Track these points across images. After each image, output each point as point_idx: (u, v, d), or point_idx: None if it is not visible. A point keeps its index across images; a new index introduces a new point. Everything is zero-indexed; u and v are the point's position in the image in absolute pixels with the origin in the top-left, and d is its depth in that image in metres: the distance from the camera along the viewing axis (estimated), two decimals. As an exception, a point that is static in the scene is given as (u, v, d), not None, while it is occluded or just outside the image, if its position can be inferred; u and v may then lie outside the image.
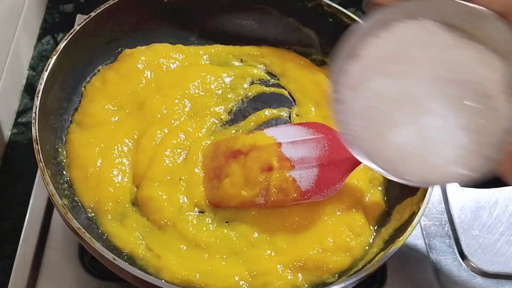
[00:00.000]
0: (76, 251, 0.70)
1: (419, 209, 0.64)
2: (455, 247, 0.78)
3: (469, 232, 0.80)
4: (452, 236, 0.79)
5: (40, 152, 0.62)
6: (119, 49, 0.81)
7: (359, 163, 0.67)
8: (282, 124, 0.78)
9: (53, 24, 1.00)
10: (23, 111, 0.89)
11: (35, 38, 0.97)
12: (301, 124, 0.73)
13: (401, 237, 0.62)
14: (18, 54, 0.89)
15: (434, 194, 0.81)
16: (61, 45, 0.70)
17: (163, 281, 0.59)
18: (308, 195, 0.66)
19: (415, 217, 0.63)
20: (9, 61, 0.85)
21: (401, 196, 0.70)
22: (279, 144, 0.69)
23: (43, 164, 0.61)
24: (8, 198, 0.80)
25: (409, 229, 0.62)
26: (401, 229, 0.65)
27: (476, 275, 0.76)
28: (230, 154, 0.71)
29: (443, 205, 0.82)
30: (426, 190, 0.65)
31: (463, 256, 0.78)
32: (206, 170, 0.71)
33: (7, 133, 0.86)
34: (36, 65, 0.94)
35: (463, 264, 0.77)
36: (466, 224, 0.80)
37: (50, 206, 0.73)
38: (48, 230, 0.71)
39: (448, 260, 0.77)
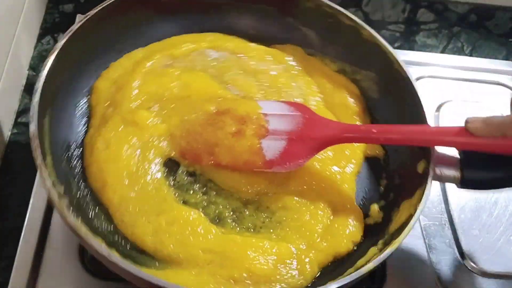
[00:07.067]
0: (76, 251, 0.70)
1: (415, 210, 0.63)
2: (455, 247, 0.78)
3: (469, 232, 0.80)
4: (452, 236, 0.79)
5: (39, 147, 0.61)
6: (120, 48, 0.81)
7: (326, 145, 0.70)
8: None
9: (53, 24, 1.00)
10: (23, 111, 0.89)
11: (35, 38, 0.97)
12: (285, 101, 0.75)
13: (397, 239, 0.61)
14: (18, 54, 0.89)
15: (434, 194, 0.81)
16: (60, 44, 0.70)
17: (162, 279, 0.58)
18: (270, 164, 0.69)
19: (411, 219, 0.63)
20: (9, 61, 0.85)
21: (399, 199, 0.70)
22: (265, 114, 0.72)
23: (41, 160, 0.61)
24: (8, 198, 0.80)
25: (405, 231, 0.62)
26: (398, 231, 0.64)
27: (476, 275, 0.76)
28: (218, 112, 0.73)
29: (443, 205, 0.82)
30: (424, 192, 0.65)
31: (463, 256, 0.77)
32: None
33: (7, 133, 0.86)
34: (36, 65, 0.94)
35: (463, 264, 0.77)
36: (466, 224, 0.80)
37: (50, 206, 0.73)
38: (48, 230, 0.71)
39: (448, 260, 0.77)
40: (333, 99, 0.81)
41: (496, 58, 1.07)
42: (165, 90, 0.76)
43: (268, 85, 0.80)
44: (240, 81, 0.80)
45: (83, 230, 0.58)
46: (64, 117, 0.73)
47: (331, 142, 0.70)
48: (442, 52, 1.09)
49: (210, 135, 0.71)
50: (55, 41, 0.98)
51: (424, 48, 1.08)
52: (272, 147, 0.69)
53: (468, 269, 0.76)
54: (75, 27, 0.73)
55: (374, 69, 0.80)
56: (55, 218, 0.72)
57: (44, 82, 0.66)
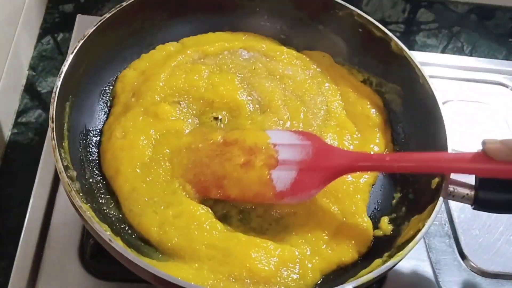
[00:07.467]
0: (76, 251, 0.70)
1: (424, 225, 0.62)
2: (455, 247, 0.78)
3: (469, 232, 0.80)
4: (452, 236, 0.79)
5: (54, 130, 0.62)
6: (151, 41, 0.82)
7: (338, 175, 0.68)
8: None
9: (53, 24, 1.00)
10: (23, 111, 0.89)
11: (35, 38, 0.97)
12: (294, 131, 0.74)
13: (401, 252, 0.61)
14: (18, 54, 0.89)
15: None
16: (89, 31, 0.71)
17: (160, 270, 0.56)
18: (281, 196, 0.67)
19: (419, 233, 0.62)
20: (9, 61, 0.85)
21: (410, 214, 0.69)
22: (274, 144, 0.70)
23: (56, 142, 0.61)
24: (8, 198, 0.80)
25: (411, 245, 0.61)
26: (404, 245, 0.63)
27: (476, 275, 0.76)
28: (225, 143, 0.71)
29: (443, 205, 0.82)
30: (434, 208, 0.63)
31: (463, 256, 0.78)
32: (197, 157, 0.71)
33: (7, 133, 0.86)
34: (36, 65, 0.94)
35: (463, 264, 0.77)
36: (466, 224, 0.80)
37: (50, 206, 0.73)
38: (48, 230, 0.71)
39: (448, 260, 0.77)
40: (355, 109, 0.80)
41: (496, 58, 1.08)
42: (191, 87, 0.77)
43: (292, 90, 0.80)
44: (265, 86, 0.79)
45: (88, 214, 0.58)
46: (87, 103, 0.74)
47: (343, 172, 0.68)
48: (442, 52, 1.09)
49: (218, 167, 0.69)
50: (55, 41, 0.98)
51: (424, 48, 1.08)
52: (282, 178, 0.67)
53: (468, 269, 0.77)
54: (106, 16, 0.73)
55: (399, 82, 0.80)
56: (55, 218, 0.72)
57: (69, 67, 0.67)
